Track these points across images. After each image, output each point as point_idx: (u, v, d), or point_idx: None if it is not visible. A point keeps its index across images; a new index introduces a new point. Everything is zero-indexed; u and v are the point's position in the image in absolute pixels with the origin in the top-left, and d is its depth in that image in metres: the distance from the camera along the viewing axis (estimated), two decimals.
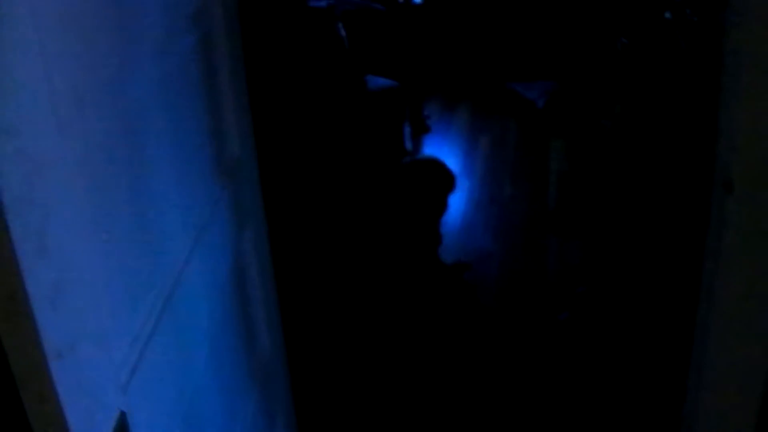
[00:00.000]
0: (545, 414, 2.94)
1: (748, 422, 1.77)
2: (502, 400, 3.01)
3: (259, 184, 1.89)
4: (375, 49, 5.08)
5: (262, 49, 2.93)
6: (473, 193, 4.63)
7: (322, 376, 3.00)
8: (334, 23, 4.17)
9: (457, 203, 4.46)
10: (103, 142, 1.01)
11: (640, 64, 4.28)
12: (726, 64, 1.57)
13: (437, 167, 3.61)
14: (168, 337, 1.21)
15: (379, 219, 3.08)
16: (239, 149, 1.72)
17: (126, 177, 1.09)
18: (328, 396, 2.95)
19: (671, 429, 2.11)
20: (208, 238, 1.45)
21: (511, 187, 4.76)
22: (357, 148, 3.77)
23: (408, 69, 5.32)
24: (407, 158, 3.56)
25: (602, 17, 5.21)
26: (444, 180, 3.54)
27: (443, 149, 5.31)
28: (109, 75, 1.05)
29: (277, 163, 2.43)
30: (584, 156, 4.86)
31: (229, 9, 1.69)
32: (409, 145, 5.07)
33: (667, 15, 4.14)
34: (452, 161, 5.13)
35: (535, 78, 5.90)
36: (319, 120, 3.53)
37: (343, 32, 4.25)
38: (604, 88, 4.99)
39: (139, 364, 1.09)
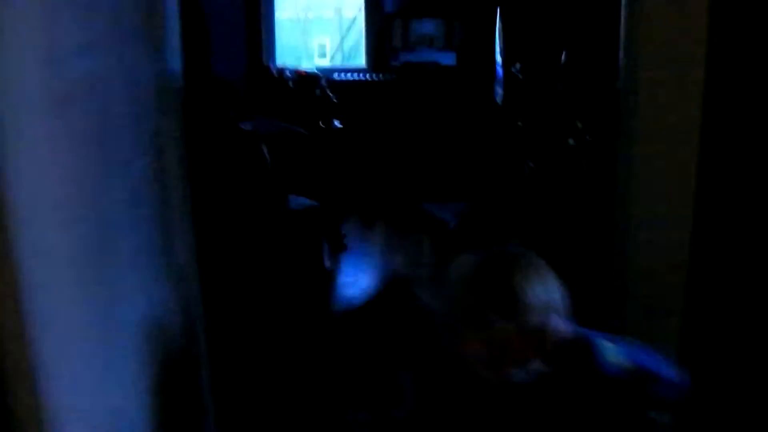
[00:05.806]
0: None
1: None
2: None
3: (200, 291, 1.99)
4: (297, 170, 5.26)
5: (197, 167, 3.06)
6: None
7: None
8: (258, 145, 4.33)
9: None
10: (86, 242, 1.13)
11: (546, 185, 4.57)
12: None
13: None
14: None
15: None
16: (185, 258, 1.83)
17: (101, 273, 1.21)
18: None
19: None
20: (161, 335, 1.54)
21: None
22: (279, 262, 3.88)
23: (327, 189, 5.51)
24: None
25: (511, 143, 5.54)
26: None
27: (360, 267, 5.45)
28: (90, 184, 1.18)
29: (210, 274, 2.53)
30: None
31: (177, 131, 1.84)
32: (327, 263, 5.19)
33: (571, 141, 4.44)
34: (368, 279, 5.26)
35: (449, 200, 6.16)
36: (246, 234, 3.65)
37: (266, 154, 4.41)
38: (512, 208, 5.26)
39: None
